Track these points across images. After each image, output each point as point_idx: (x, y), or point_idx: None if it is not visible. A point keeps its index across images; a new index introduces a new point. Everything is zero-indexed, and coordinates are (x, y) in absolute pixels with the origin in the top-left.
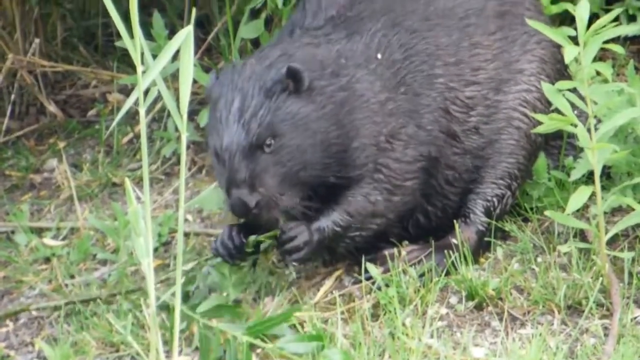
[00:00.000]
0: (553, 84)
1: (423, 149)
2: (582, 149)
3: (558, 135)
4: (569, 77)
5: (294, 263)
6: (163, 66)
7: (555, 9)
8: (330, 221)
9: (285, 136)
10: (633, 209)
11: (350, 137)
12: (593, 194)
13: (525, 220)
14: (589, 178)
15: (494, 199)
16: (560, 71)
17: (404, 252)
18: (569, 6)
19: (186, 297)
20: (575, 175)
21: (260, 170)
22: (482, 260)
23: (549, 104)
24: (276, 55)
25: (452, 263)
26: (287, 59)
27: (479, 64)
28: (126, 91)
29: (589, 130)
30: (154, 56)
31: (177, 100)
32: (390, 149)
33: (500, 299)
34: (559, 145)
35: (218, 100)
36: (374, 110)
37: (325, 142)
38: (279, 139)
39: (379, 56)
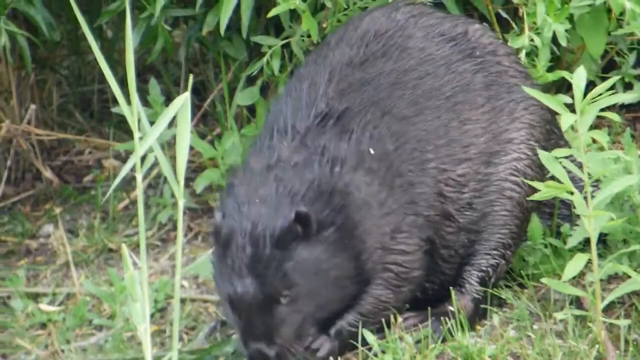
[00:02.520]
0: (543, 147)
1: (423, 235)
2: (577, 216)
3: (550, 200)
4: (558, 137)
5: None
6: (160, 133)
7: (551, 76)
8: (345, 322)
9: (300, 285)
10: (629, 277)
11: (359, 254)
12: (589, 261)
13: (522, 286)
14: (585, 245)
15: (489, 269)
16: (550, 131)
17: (400, 319)
18: (565, 74)
19: None
20: (572, 242)
21: (277, 323)
22: (478, 327)
23: (540, 169)
24: (279, 193)
25: (449, 330)
26: (291, 200)
27: (469, 140)
28: (122, 157)
29: (585, 197)
30: (151, 122)
31: (174, 166)
32: (395, 245)
33: None
34: (550, 205)
35: (228, 244)
36: (375, 215)
37: (340, 277)
38: (294, 288)
39: (372, 151)
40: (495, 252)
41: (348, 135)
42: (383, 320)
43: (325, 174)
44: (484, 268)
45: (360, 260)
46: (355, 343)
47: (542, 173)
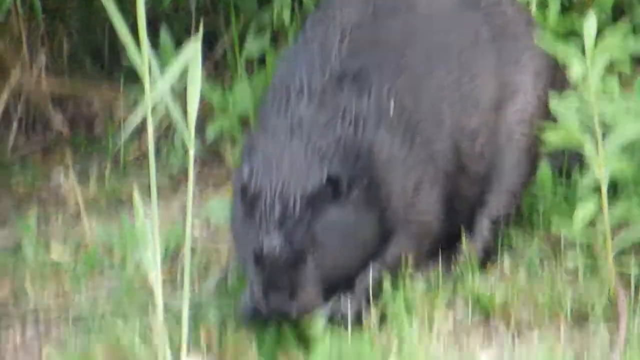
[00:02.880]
0: (549, 94)
1: (442, 189)
2: (588, 162)
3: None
4: (565, 83)
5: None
6: (171, 81)
7: (561, 26)
8: (369, 276)
9: (327, 245)
10: None
11: (382, 212)
12: (600, 208)
13: (532, 232)
14: (595, 191)
15: (499, 216)
16: (555, 78)
17: (410, 258)
18: (575, 22)
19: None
20: (582, 189)
21: (302, 280)
22: (488, 273)
23: (547, 116)
24: (309, 154)
25: (459, 273)
26: (321, 161)
27: (479, 93)
28: (133, 106)
29: (595, 144)
30: (161, 71)
31: (184, 115)
32: (417, 200)
33: (507, 309)
34: (561, 151)
35: (256, 202)
36: (398, 173)
37: (365, 237)
38: (321, 248)
39: (392, 107)
40: (504, 197)
41: (366, 94)
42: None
43: (349, 134)
44: (494, 215)
45: (384, 219)
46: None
47: (549, 120)
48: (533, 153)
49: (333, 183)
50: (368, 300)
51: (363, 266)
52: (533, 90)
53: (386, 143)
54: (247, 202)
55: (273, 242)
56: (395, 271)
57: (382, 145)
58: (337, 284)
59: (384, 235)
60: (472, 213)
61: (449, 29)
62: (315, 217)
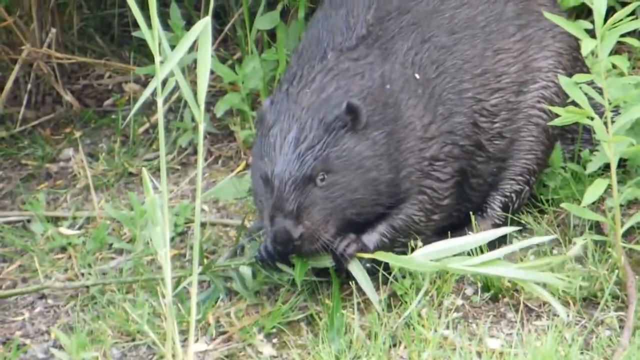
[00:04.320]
0: (569, 75)
1: (457, 165)
2: (598, 142)
3: (573, 126)
4: (585, 64)
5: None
6: (181, 56)
7: (572, 1)
8: (377, 233)
9: (338, 173)
10: None
11: (398, 169)
12: (609, 187)
13: (542, 212)
14: (604, 170)
15: (512, 195)
16: (576, 59)
17: (420, 243)
18: None
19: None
20: (592, 167)
21: (309, 204)
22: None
23: (566, 97)
24: (332, 88)
25: (468, 254)
26: (344, 93)
27: (502, 70)
28: (142, 81)
29: (605, 123)
30: (172, 47)
31: (194, 90)
32: (432, 171)
33: (516, 290)
34: (573, 131)
35: (272, 126)
36: (419, 137)
37: (377, 180)
38: (332, 175)
39: (417, 76)
40: (520, 177)
41: (393, 58)
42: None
43: (377, 85)
44: (508, 193)
45: (399, 176)
46: (377, 268)
47: (568, 100)
48: (550, 133)
49: (353, 112)
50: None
51: (371, 214)
52: (555, 70)
53: (411, 106)
54: (265, 127)
55: (285, 162)
56: (403, 238)
57: (407, 106)
58: (343, 223)
59: (397, 197)
60: (486, 193)
61: (475, 3)
62: (330, 142)
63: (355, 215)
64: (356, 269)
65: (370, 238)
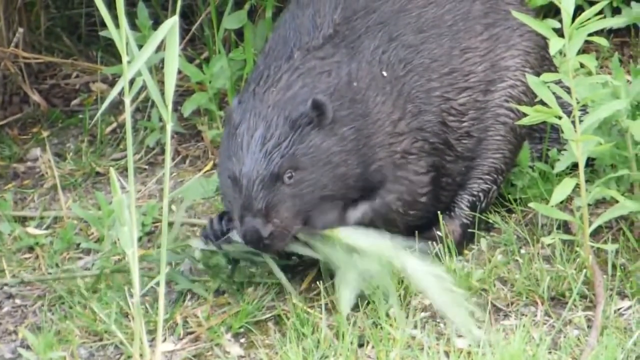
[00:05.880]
0: (537, 73)
1: (430, 160)
2: (566, 141)
3: (541, 125)
4: (552, 63)
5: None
6: (148, 56)
7: (540, 0)
8: (358, 213)
9: (306, 170)
10: (617, 201)
11: (368, 163)
12: (577, 186)
13: (509, 211)
14: (572, 170)
15: (480, 194)
16: (544, 57)
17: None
18: None
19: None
20: (560, 167)
21: (277, 202)
22: (466, 251)
23: (534, 95)
24: (298, 86)
25: (436, 254)
26: (310, 90)
27: (469, 69)
28: (109, 81)
29: (573, 122)
30: (139, 46)
31: (162, 90)
32: (406, 163)
33: (484, 290)
34: (541, 130)
35: (239, 125)
36: (388, 132)
37: (345, 175)
38: (300, 172)
39: (385, 74)
40: (487, 176)
41: (360, 57)
42: None
43: (344, 83)
44: (476, 192)
45: (368, 170)
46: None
47: (535, 99)
48: (518, 133)
49: (319, 108)
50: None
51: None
52: (522, 69)
53: (379, 102)
54: (232, 126)
55: (253, 161)
56: (378, 223)
57: (375, 103)
58: (312, 220)
59: (367, 189)
60: (455, 192)
61: (442, 2)
62: (297, 139)
63: (325, 210)
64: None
65: (355, 213)
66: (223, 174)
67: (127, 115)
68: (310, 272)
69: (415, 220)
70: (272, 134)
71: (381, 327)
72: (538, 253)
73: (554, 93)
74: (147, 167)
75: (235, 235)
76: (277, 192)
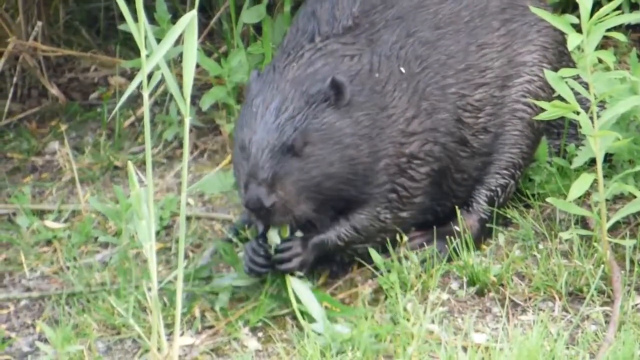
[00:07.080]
0: (555, 69)
1: (435, 165)
2: (584, 136)
3: (559, 120)
4: (570, 58)
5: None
6: (167, 50)
7: None
8: (334, 235)
9: (316, 145)
10: (635, 197)
11: (378, 157)
12: (595, 182)
13: (527, 206)
14: (590, 165)
15: (498, 189)
16: (562, 53)
17: (405, 239)
18: None
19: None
20: (578, 162)
21: (284, 173)
22: (483, 246)
23: (551, 91)
24: (319, 64)
25: (454, 249)
26: (331, 69)
27: (486, 65)
28: (128, 75)
29: (591, 117)
30: (157, 40)
31: (180, 84)
32: (408, 169)
33: (502, 285)
34: (559, 125)
35: (256, 96)
36: (401, 130)
37: (354, 159)
38: (310, 147)
39: (402, 70)
40: (505, 171)
41: (379, 50)
42: (388, 239)
43: (365, 71)
44: (493, 187)
45: (377, 165)
46: (362, 262)
47: (553, 94)
48: (535, 127)
49: (337, 87)
50: (319, 254)
51: (347, 187)
52: (540, 64)
53: (396, 97)
54: (249, 97)
55: (265, 130)
56: (369, 237)
57: (392, 97)
58: (315, 203)
59: (371, 185)
60: (472, 187)
61: None
62: (311, 114)
63: (329, 190)
64: (295, 282)
65: (325, 237)
66: (236, 143)
67: (145, 109)
68: (327, 267)
69: (411, 219)
70: (287, 107)
71: (399, 322)
72: (556, 248)
73: (572, 89)
74: (165, 160)
75: (274, 236)
76: (285, 163)
